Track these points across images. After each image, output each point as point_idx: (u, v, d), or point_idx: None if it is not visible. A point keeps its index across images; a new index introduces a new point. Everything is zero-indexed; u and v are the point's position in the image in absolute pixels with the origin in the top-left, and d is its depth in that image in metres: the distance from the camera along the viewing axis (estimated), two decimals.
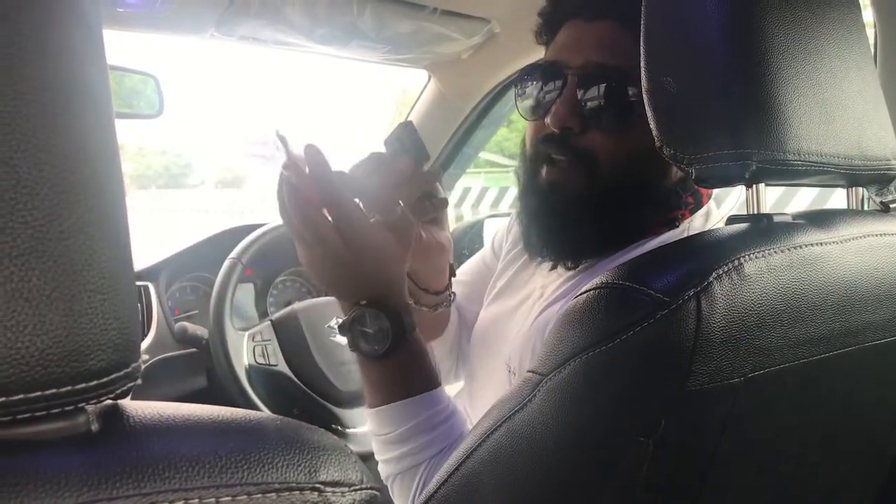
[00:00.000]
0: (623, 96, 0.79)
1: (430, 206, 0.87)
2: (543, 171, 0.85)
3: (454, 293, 1.01)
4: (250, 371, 1.45)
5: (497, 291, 1.02)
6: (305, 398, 1.48)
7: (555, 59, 0.84)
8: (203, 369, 1.56)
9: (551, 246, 0.88)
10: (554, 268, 0.92)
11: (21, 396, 0.29)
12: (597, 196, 0.82)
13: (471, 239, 2.17)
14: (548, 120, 0.83)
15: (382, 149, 0.86)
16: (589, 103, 0.81)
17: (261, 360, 1.48)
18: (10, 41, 0.29)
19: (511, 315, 0.95)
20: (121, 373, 0.32)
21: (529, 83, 0.86)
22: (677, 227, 0.85)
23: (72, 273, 0.30)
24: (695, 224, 0.86)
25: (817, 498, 0.74)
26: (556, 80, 0.83)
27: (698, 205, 0.87)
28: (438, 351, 1.07)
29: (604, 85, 0.80)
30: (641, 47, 0.61)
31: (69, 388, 0.30)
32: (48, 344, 0.29)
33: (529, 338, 0.85)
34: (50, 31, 0.30)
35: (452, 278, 1.00)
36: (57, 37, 0.30)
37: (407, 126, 0.84)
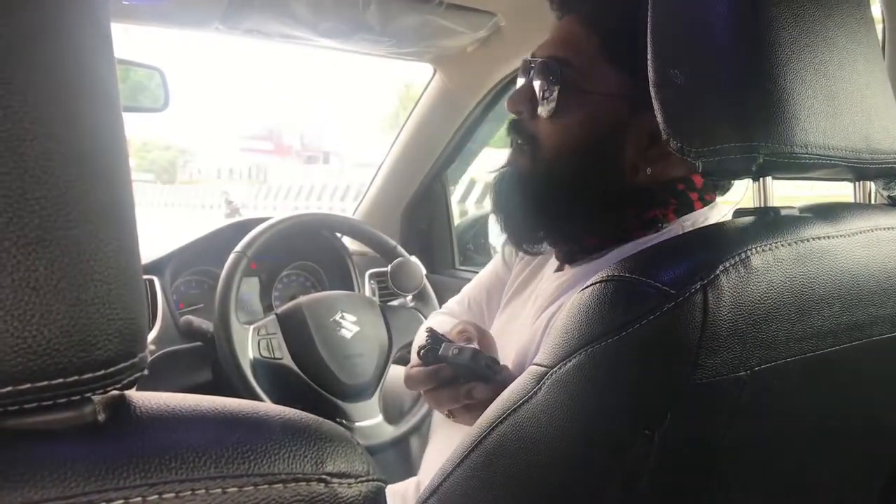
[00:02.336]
0: (563, 85, 0.84)
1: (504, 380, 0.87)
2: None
3: None
4: (255, 364, 1.45)
5: (508, 297, 1.03)
6: (311, 392, 1.48)
7: (532, 54, 0.90)
8: (208, 363, 1.57)
9: (507, 225, 0.93)
10: (560, 268, 0.92)
11: (28, 386, 0.29)
12: (537, 178, 0.88)
13: (476, 233, 2.17)
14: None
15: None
16: (536, 90, 0.87)
17: (266, 354, 1.48)
18: (19, 31, 0.29)
19: (519, 319, 0.96)
20: (127, 363, 0.32)
21: (520, 76, 0.92)
22: (661, 228, 0.84)
23: (78, 263, 0.30)
24: (686, 226, 0.84)
25: (823, 492, 0.74)
26: (526, 72, 0.90)
27: (686, 207, 0.85)
28: None
29: (548, 74, 0.85)
30: (649, 40, 0.61)
31: (76, 377, 0.30)
32: (55, 333, 0.29)
33: (531, 340, 0.85)
34: (58, 22, 0.30)
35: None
36: (65, 28, 0.30)
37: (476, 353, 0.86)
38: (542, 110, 0.86)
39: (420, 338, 0.99)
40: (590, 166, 0.85)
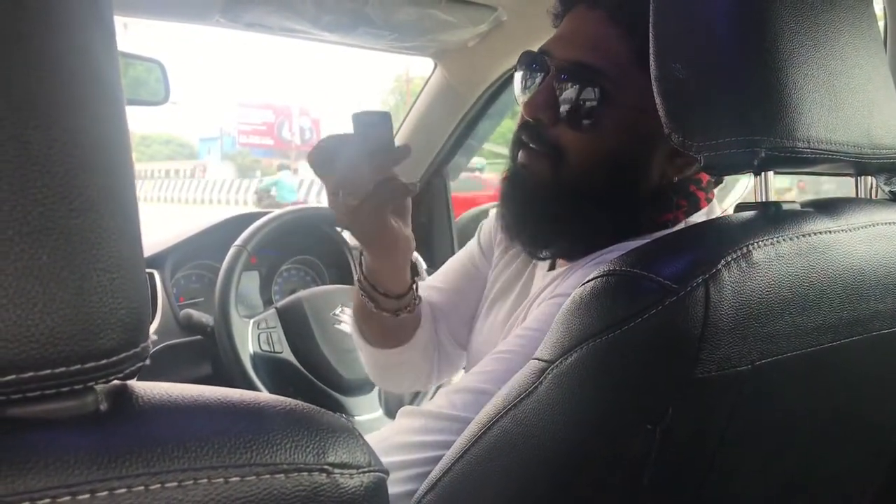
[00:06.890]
0: (596, 97, 0.79)
1: (395, 190, 0.85)
2: (519, 156, 0.86)
3: (419, 297, 0.97)
4: (255, 358, 1.45)
5: (491, 300, 0.99)
6: (310, 386, 1.49)
7: (545, 49, 0.85)
8: (208, 357, 1.57)
9: (519, 230, 0.88)
10: (552, 268, 0.90)
11: (31, 374, 0.29)
12: (562, 189, 0.82)
13: (476, 228, 2.16)
14: (523, 108, 0.85)
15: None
16: (563, 98, 0.81)
17: (266, 348, 1.48)
18: (21, 20, 0.29)
19: (508, 322, 0.92)
20: (130, 352, 0.32)
21: (522, 69, 0.87)
22: (670, 228, 0.83)
23: (81, 251, 0.30)
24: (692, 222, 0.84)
25: (822, 486, 0.74)
26: (540, 71, 0.84)
27: (694, 207, 0.85)
28: (410, 356, 1.02)
29: (579, 83, 0.80)
30: (650, 33, 0.61)
31: (78, 366, 0.30)
32: (57, 322, 0.29)
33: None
34: (61, 13, 0.30)
35: (417, 280, 0.97)
36: (68, 18, 0.30)
37: (383, 115, 0.85)
38: (570, 121, 0.81)
39: None
40: (618, 179, 0.82)
